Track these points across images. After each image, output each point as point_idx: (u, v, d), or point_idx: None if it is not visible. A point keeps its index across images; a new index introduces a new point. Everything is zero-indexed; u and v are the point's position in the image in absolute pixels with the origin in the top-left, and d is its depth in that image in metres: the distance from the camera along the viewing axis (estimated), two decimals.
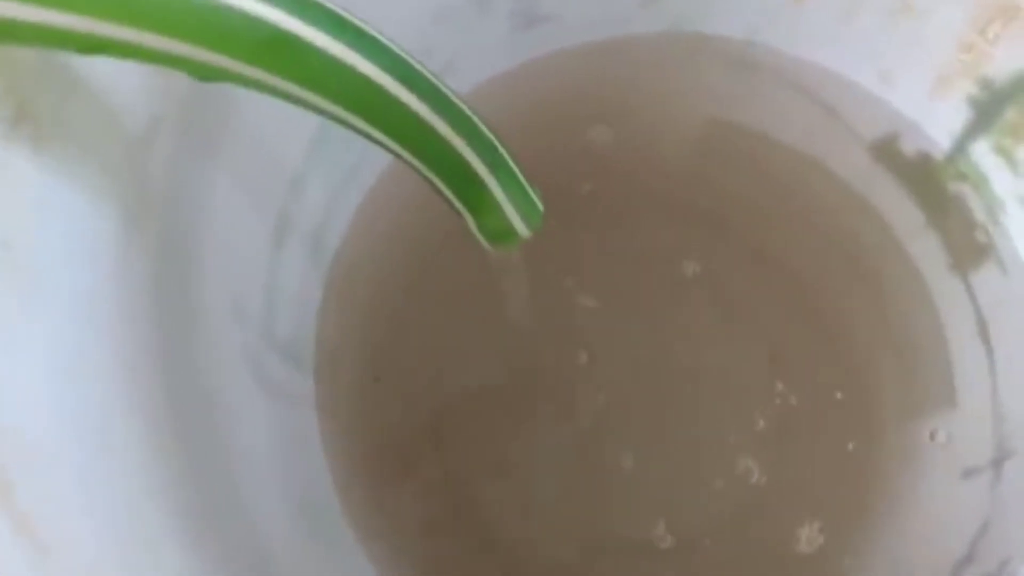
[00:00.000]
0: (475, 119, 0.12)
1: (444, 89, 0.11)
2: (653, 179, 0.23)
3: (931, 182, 0.20)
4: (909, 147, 0.20)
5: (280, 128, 0.14)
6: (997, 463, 0.19)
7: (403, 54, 0.10)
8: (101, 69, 0.10)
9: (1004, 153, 0.18)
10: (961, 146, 0.18)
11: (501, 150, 0.12)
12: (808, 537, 0.20)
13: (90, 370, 0.09)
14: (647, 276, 0.23)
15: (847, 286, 0.22)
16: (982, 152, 0.18)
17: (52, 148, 0.09)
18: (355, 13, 0.10)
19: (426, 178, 0.12)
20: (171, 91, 0.11)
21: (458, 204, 0.13)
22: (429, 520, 0.19)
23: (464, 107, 0.11)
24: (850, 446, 0.21)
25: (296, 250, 0.17)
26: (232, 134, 0.13)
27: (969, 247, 0.20)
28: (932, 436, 0.20)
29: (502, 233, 0.13)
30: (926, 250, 0.21)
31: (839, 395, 0.21)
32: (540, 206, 0.14)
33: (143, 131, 0.11)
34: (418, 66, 0.11)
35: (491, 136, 0.12)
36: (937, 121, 0.19)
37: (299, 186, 0.16)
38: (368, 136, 0.11)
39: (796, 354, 0.22)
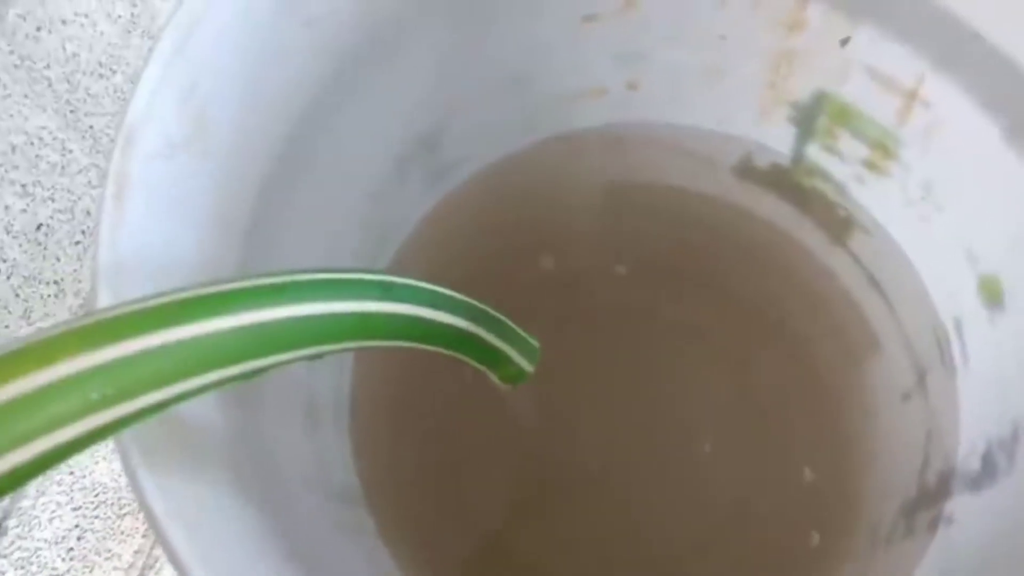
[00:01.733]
0: (487, 309, 0.16)
1: (463, 299, 0.15)
2: (579, 242, 0.27)
3: (789, 183, 0.24)
4: (762, 162, 0.24)
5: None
6: (920, 381, 0.23)
7: (433, 288, 0.14)
8: None
9: (830, 150, 0.22)
10: (798, 153, 0.23)
11: (507, 322, 0.16)
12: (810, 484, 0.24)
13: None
14: (612, 331, 0.27)
15: (763, 278, 0.26)
16: (815, 152, 0.23)
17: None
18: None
19: (463, 359, 0.16)
20: None
21: (486, 368, 0.17)
22: None
23: (479, 305, 0.15)
24: (815, 406, 0.25)
25: (326, 422, 0.20)
26: (267, 382, 0.17)
27: (837, 222, 0.24)
28: (872, 376, 0.25)
29: (516, 376, 0.18)
30: (807, 235, 0.25)
31: (789, 370, 0.26)
32: (537, 346, 0.18)
33: (219, 413, 0.14)
34: (443, 291, 0.14)
35: (498, 315, 0.16)
36: (773, 140, 0.23)
37: (313, 386, 0.20)
38: (422, 349, 0.14)
39: (747, 346, 0.26)
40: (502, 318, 0.16)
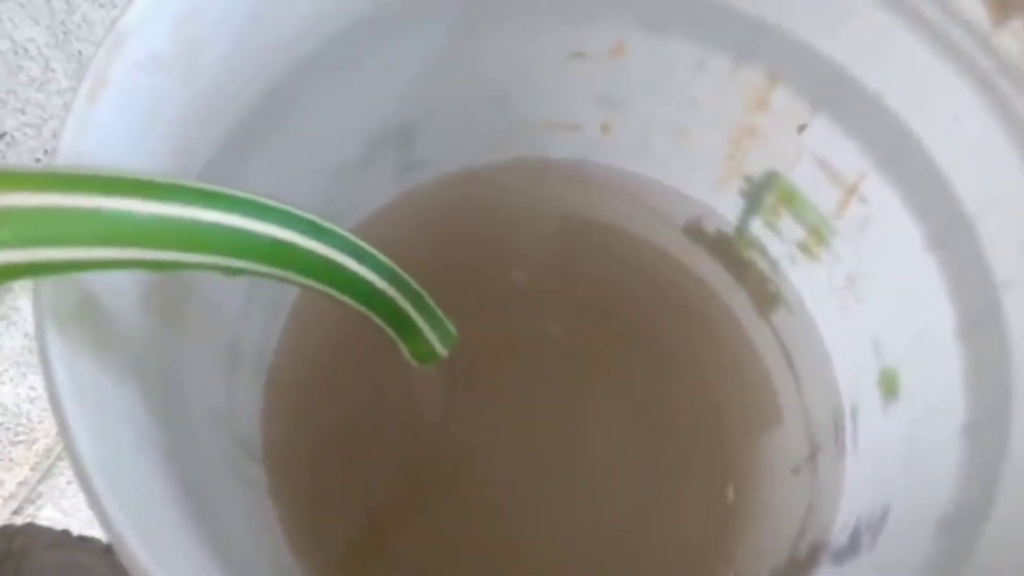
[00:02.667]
0: (408, 279, 0.16)
1: (386, 261, 0.15)
2: (522, 268, 0.28)
3: (731, 252, 0.26)
4: (710, 227, 0.26)
5: (223, 294, 0.19)
6: (812, 458, 0.24)
7: (358, 242, 0.14)
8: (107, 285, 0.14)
9: (771, 227, 0.24)
10: (742, 224, 0.24)
11: (425, 297, 0.17)
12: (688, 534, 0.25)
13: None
14: (530, 357, 0.27)
15: (688, 335, 0.28)
16: (758, 227, 0.24)
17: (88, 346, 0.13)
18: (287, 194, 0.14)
19: (372, 319, 0.16)
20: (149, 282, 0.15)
21: (395, 335, 0.17)
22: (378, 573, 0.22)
23: (400, 272, 0.16)
24: (711, 462, 0.26)
25: (244, 370, 0.21)
26: (193, 301, 0.17)
27: (765, 296, 0.25)
28: (769, 447, 0.26)
29: (426, 354, 0.18)
30: (739, 303, 0.26)
31: (693, 427, 0.27)
32: (454, 332, 0.18)
33: (139, 317, 0.15)
34: (368, 248, 0.15)
35: (417, 287, 0.16)
36: (723, 208, 0.24)
37: (242, 320, 0.20)
38: (332, 297, 0.15)
39: (658, 397, 0.27)
40: (423, 292, 0.17)
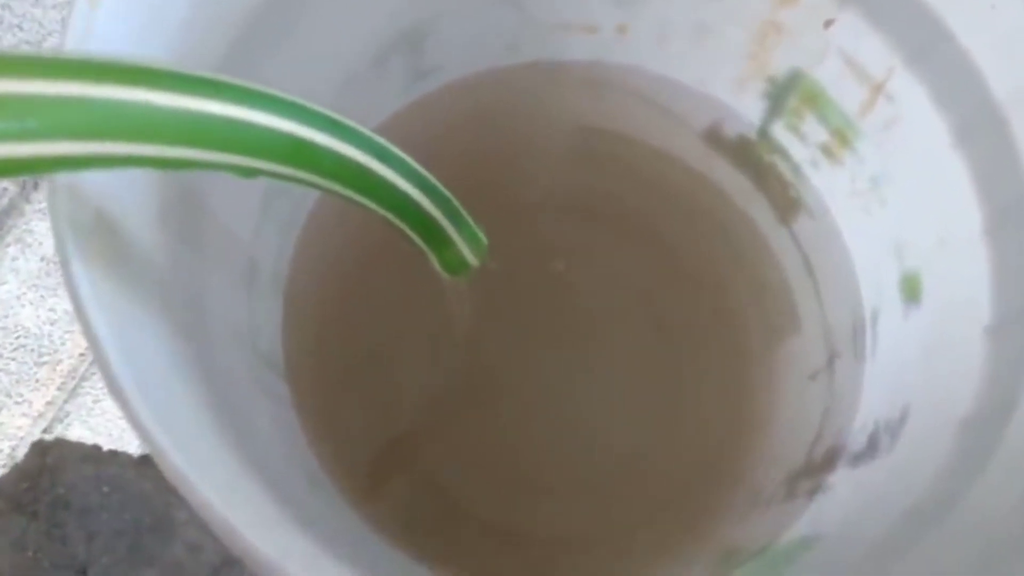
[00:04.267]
0: (436, 183, 0.15)
1: (414, 164, 0.14)
2: (536, 177, 0.28)
3: (751, 156, 0.25)
4: (730, 131, 0.25)
5: (238, 207, 0.19)
6: (830, 364, 0.24)
7: (382, 142, 0.14)
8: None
9: (794, 130, 0.23)
10: (764, 128, 0.24)
11: (454, 202, 0.16)
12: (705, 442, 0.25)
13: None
14: (548, 267, 0.27)
15: (705, 245, 0.27)
16: (780, 131, 0.23)
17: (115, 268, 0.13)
18: (289, 85, 0.14)
19: (399, 228, 0.15)
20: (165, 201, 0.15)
21: (424, 246, 0.16)
22: (401, 485, 0.23)
23: (428, 175, 0.15)
24: (728, 373, 0.26)
25: (263, 282, 0.21)
26: (208, 221, 0.17)
27: (786, 202, 0.25)
28: (787, 354, 0.26)
29: (457, 265, 0.17)
30: (758, 211, 0.26)
31: (710, 336, 0.27)
32: (485, 241, 0.17)
33: (156, 235, 0.15)
34: (394, 149, 0.14)
35: (446, 192, 0.15)
36: (745, 110, 0.24)
37: (256, 241, 0.20)
38: (357, 203, 0.14)
39: (676, 306, 0.27)
40: (452, 198, 0.16)
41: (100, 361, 0.11)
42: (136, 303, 0.12)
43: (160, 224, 0.14)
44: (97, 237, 0.12)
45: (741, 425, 0.25)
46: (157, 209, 0.14)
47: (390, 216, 0.15)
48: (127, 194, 0.13)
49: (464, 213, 0.16)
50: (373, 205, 0.14)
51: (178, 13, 0.14)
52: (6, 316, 0.38)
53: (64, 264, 0.11)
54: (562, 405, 0.26)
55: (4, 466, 0.44)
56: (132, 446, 0.51)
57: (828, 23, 0.20)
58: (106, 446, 0.48)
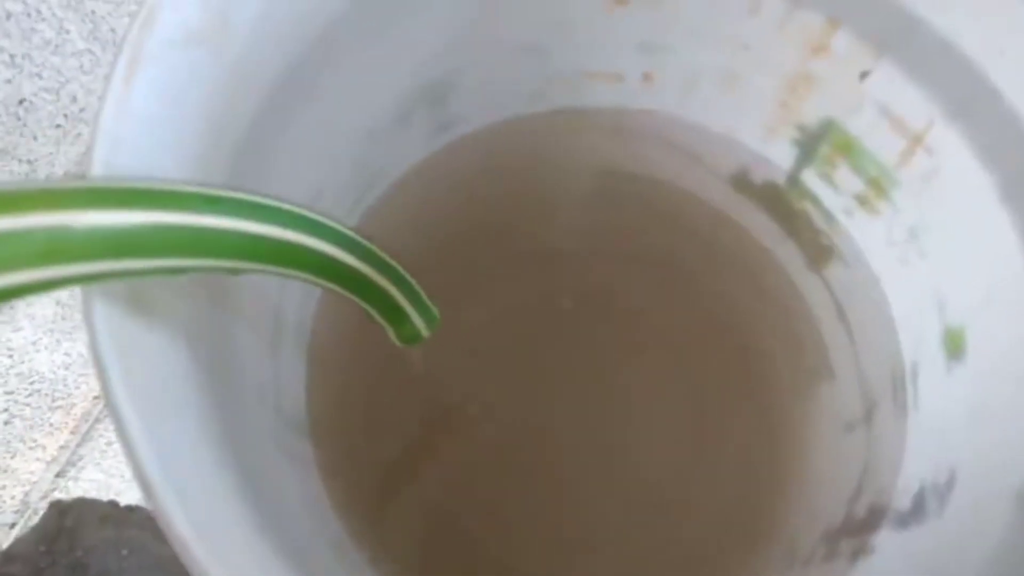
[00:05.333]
0: (395, 266, 0.16)
1: (375, 249, 0.16)
2: (562, 221, 0.27)
3: (780, 203, 0.25)
4: (758, 178, 0.25)
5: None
6: (868, 416, 0.23)
7: (348, 231, 0.14)
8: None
9: (826, 178, 0.22)
10: (794, 175, 0.23)
11: (411, 282, 0.17)
12: (737, 493, 0.24)
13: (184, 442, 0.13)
14: (573, 310, 0.27)
15: (733, 288, 0.27)
16: (811, 178, 0.23)
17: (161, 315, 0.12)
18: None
19: (361, 305, 0.16)
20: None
21: (382, 321, 0.18)
22: (421, 544, 0.22)
23: (391, 260, 0.16)
24: (759, 420, 0.26)
25: (288, 344, 0.20)
26: (240, 290, 0.17)
27: (818, 249, 0.24)
28: (820, 402, 0.25)
29: (411, 336, 0.18)
30: (788, 256, 0.26)
31: (740, 382, 0.26)
32: (437, 315, 0.19)
33: (185, 291, 0.14)
34: (358, 238, 0.15)
35: (404, 274, 0.17)
36: (774, 157, 0.23)
37: (282, 295, 0.20)
38: (322, 286, 0.15)
39: (703, 351, 0.27)
40: (411, 281, 0.17)
41: (113, 414, 0.10)
42: (159, 357, 0.12)
43: (189, 284, 0.14)
44: (124, 292, 0.12)
45: (774, 475, 0.25)
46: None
47: (350, 295, 0.16)
48: None
49: (418, 289, 0.18)
50: (339, 289, 0.15)
51: (208, 81, 0.14)
52: (21, 362, 0.38)
53: (87, 315, 0.11)
54: (591, 456, 0.25)
55: (17, 512, 0.43)
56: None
57: (864, 74, 0.19)
58: (118, 487, 0.47)
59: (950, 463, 0.19)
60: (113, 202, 0.11)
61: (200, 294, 0.15)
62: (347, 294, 0.16)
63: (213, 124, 0.14)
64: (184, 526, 0.11)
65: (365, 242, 0.15)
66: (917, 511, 0.19)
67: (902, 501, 0.20)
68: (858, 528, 0.21)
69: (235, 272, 0.13)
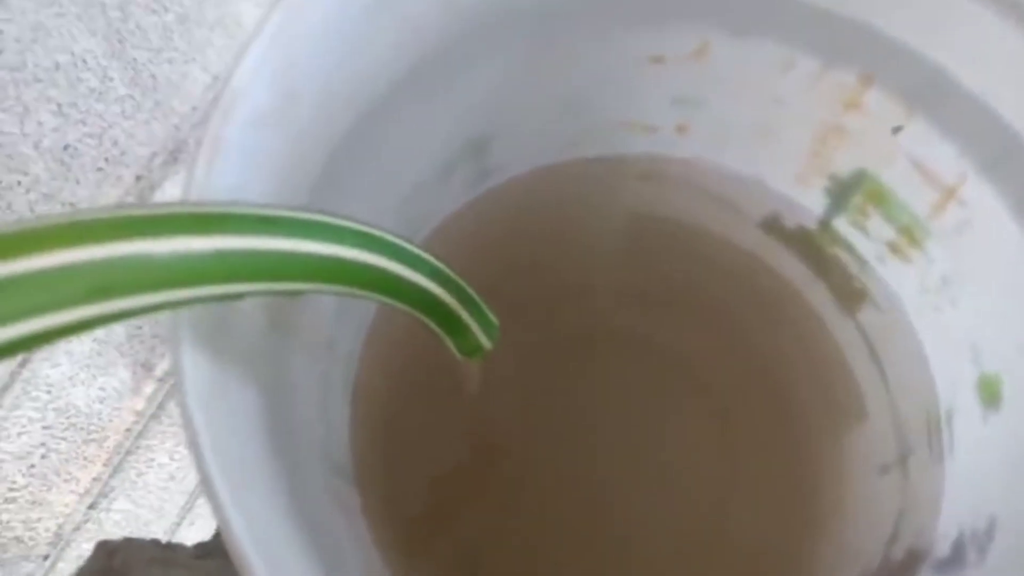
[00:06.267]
0: (454, 276, 0.17)
1: (437, 263, 0.16)
2: (597, 265, 0.28)
3: (812, 247, 0.25)
4: (790, 223, 0.25)
5: (320, 317, 0.19)
6: (903, 459, 0.23)
7: (409, 247, 0.15)
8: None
9: (858, 226, 0.23)
10: (826, 222, 0.24)
11: (470, 291, 0.17)
12: (773, 533, 0.25)
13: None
14: (607, 351, 0.27)
15: (764, 329, 0.27)
16: (843, 225, 0.23)
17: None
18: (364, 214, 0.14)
19: (422, 321, 0.17)
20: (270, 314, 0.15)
21: (443, 335, 0.18)
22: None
23: (450, 272, 0.16)
24: (791, 460, 0.26)
25: (335, 394, 0.21)
26: (299, 307, 0.17)
27: (850, 293, 0.25)
28: (853, 445, 0.25)
29: (472, 348, 0.19)
30: (819, 298, 0.26)
31: (772, 423, 0.26)
32: (497, 324, 0.19)
33: (257, 325, 0.15)
34: (420, 253, 0.15)
35: (463, 283, 0.17)
36: (805, 204, 0.24)
37: (331, 350, 0.20)
38: (389, 304, 0.15)
39: (737, 394, 0.27)
40: (467, 287, 0.17)
41: (198, 463, 0.11)
42: (233, 383, 0.13)
43: (262, 313, 0.14)
44: (209, 331, 0.12)
45: (808, 515, 0.25)
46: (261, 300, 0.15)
47: (413, 311, 0.16)
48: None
49: (479, 301, 0.18)
50: (399, 304, 0.15)
51: (273, 157, 0.15)
52: (59, 397, 0.38)
53: (175, 357, 0.11)
54: (623, 492, 0.26)
55: (51, 543, 0.44)
56: (172, 515, 0.51)
57: (896, 129, 0.20)
58: (147, 517, 0.48)
59: (989, 511, 0.19)
60: (182, 228, 0.11)
61: (268, 327, 0.15)
62: (411, 310, 0.16)
63: (284, 190, 0.15)
64: (247, 543, 0.12)
65: (429, 257, 0.16)
66: (957, 558, 0.19)
67: (941, 547, 0.20)
68: (896, 572, 0.21)
69: (295, 294, 0.13)
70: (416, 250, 0.15)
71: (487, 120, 0.21)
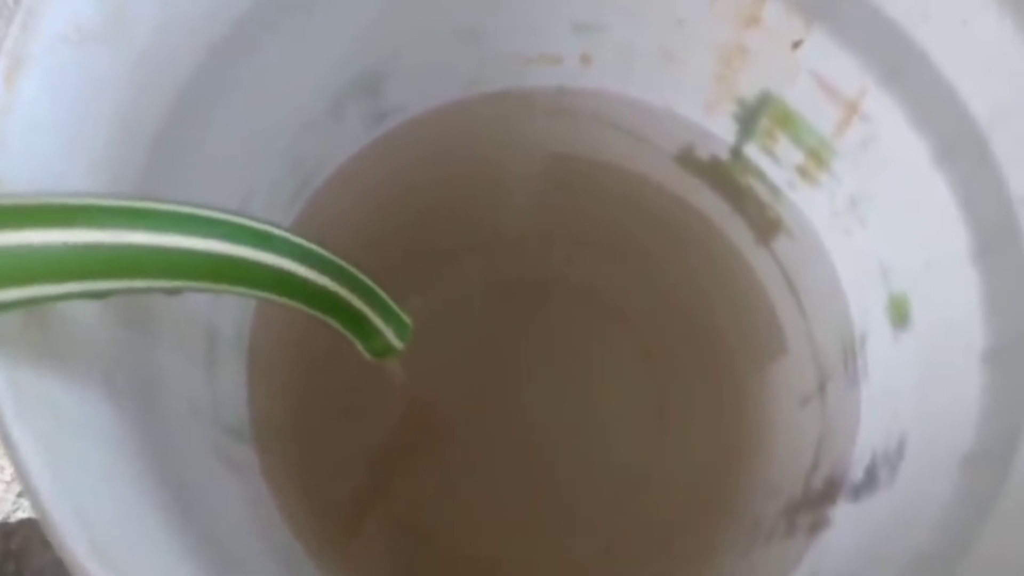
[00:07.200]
0: (361, 276, 0.15)
1: (339, 262, 0.14)
2: (510, 207, 0.27)
3: (726, 178, 0.24)
4: (703, 153, 0.24)
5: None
6: (821, 388, 0.23)
7: (307, 244, 0.13)
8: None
9: (768, 151, 0.22)
10: (737, 150, 0.23)
11: (379, 292, 0.16)
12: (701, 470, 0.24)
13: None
14: (527, 296, 0.27)
15: (685, 266, 0.27)
16: (753, 152, 0.23)
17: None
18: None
19: (329, 323, 0.15)
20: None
21: (350, 335, 0.16)
22: (378, 543, 0.22)
23: (354, 270, 0.15)
24: (716, 395, 0.26)
25: (224, 354, 0.20)
26: (160, 307, 0.16)
27: (766, 223, 0.24)
28: (775, 377, 0.25)
29: (383, 350, 0.17)
30: (736, 231, 0.25)
31: (695, 359, 0.26)
32: (410, 324, 0.17)
33: (98, 326, 0.14)
34: (315, 248, 0.14)
35: (371, 284, 0.15)
36: (716, 132, 0.23)
37: (215, 316, 0.19)
38: (278, 303, 0.14)
39: (660, 331, 0.26)
40: (377, 289, 0.16)
41: (24, 480, 0.10)
42: (72, 401, 0.12)
43: (100, 314, 0.13)
44: (26, 340, 0.11)
45: (733, 450, 0.25)
46: (97, 304, 0.13)
47: (312, 311, 0.14)
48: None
49: (391, 303, 0.16)
50: (300, 306, 0.14)
51: (112, 80, 0.13)
52: None
53: None
54: (548, 433, 0.25)
55: None
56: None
57: (796, 44, 0.19)
58: None
59: (900, 432, 0.19)
60: (29, 221, 0.10)
61: (115, 326, 0.14)
62: (308, 310, 0.14)
63: (123, 124, 0.14)
64: (79, 543, 0.11)
65: (323, 252, 0.14)
66: (870, 481, 0.19)
67: (855, 472, 0.20)
68: (816, 501, 0.21)
69: (173, 292, 0.12)
70: (309, 244, 0.14)
71: (373, 53, 0.20)
